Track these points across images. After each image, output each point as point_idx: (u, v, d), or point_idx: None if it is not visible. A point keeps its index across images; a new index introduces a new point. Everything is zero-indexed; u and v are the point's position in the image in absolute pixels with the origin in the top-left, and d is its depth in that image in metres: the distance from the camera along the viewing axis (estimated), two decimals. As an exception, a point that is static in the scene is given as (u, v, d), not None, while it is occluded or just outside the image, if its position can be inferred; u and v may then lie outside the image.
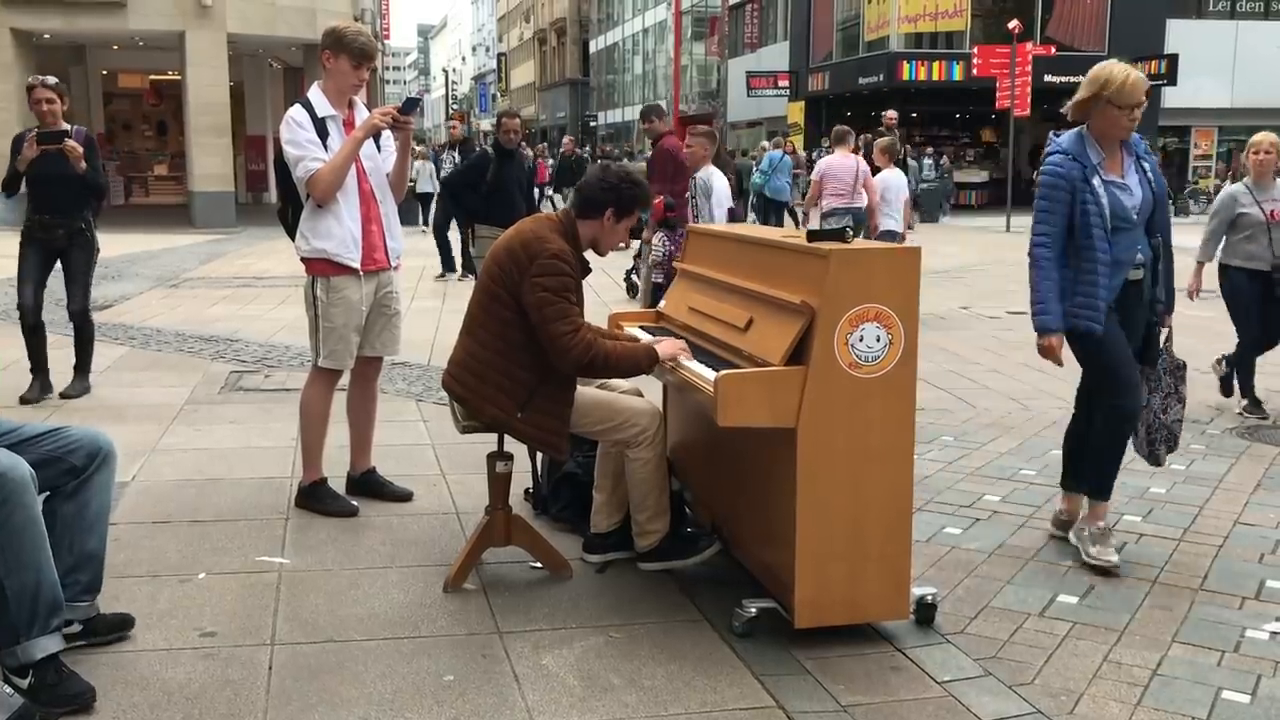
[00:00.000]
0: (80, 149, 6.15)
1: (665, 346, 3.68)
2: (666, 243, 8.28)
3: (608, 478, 3.96)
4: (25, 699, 2.82)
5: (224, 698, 2.99)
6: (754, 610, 3.41)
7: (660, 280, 8.14)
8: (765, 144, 26.28)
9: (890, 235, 10.68)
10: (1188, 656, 3.34)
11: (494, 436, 3.86)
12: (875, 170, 10.68)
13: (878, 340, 3.21)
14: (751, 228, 6.30)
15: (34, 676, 2.85)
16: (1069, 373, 7.60)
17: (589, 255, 3.83)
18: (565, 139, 27.77)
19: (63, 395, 6.52)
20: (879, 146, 11.24)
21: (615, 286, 12.56)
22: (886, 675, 3.19)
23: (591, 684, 3.10)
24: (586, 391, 3.80)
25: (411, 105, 4.44)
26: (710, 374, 3.33)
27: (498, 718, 2.91)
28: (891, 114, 13.49)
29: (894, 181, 10.66)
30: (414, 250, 14.51)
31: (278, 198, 4.60)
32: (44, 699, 2.83)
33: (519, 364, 3.64)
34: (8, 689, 2.81)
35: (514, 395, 3.64)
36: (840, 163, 10.49)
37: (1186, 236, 19.91)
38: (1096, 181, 3.92)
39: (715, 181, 7.28)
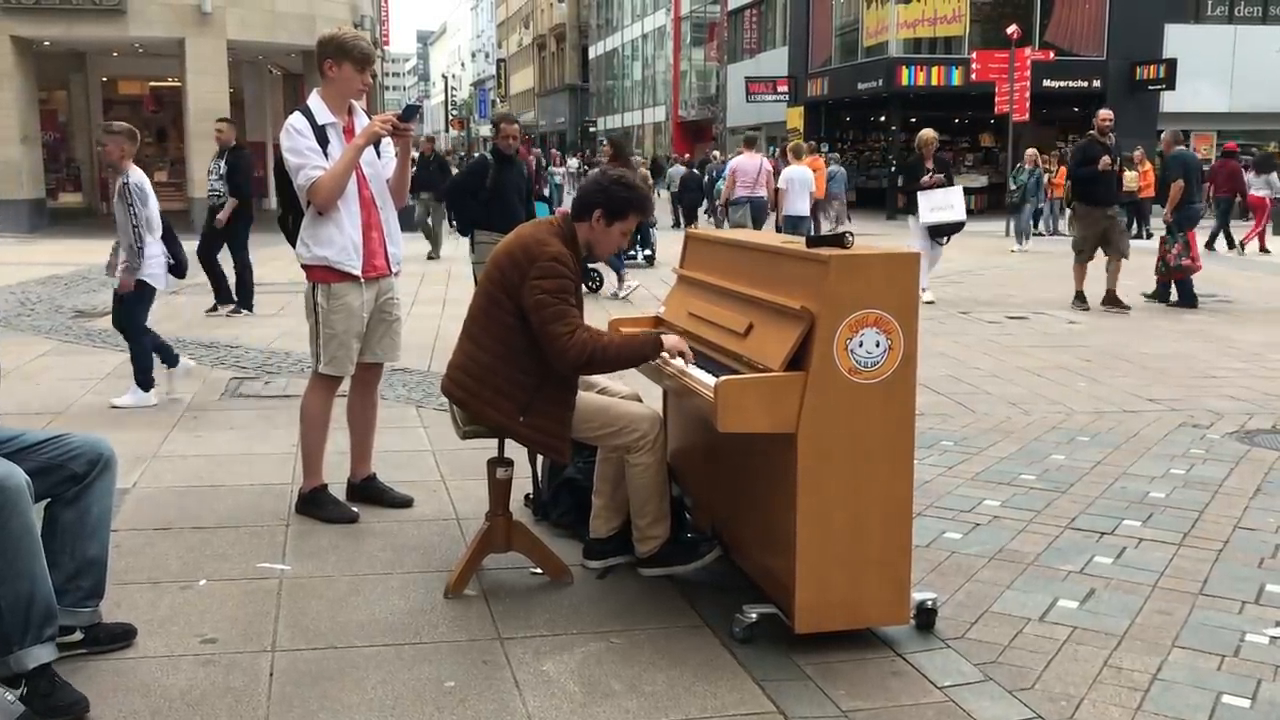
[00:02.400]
0: None
1: (673, 338, 3.66)
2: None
3: (607, 483, 3.96)
4: (26, 707, 2.82)
5: (225, 704, 2.99)
6: (754, 615, 3.41)
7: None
8: (716, 153, 26.51)
9: (799, 220, 13.87)
10: (1188, 661, 3.34)
11: (494, 442, 3.87)
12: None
13: (877, 345, 3.22)
14: (750, 233, 6.32)
15: (27, 686, 2.84)
16: (1069, 377, 7.65)
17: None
18: (424, 138, 20.79)
19: None
20: (787, 148, 15.29)
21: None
22: (887, 680, 3.19)
23: (592, 690, 3.10)
24: (587, 397, 3.80)
25: (411, 112, 4.45)
26: (710, 380, 3.33)
27: (499, 724, 2.92)
28: (1105, 113, 11.60)
29: (797, 175, 13.84)
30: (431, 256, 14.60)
31: (278, 205, 4.62)
32: (37, 708, 2.82)
33: (519, 367, 3.64)
34: (9, 695, 2.81)
35: (515, 399, 3.65)
36: (748, 161, 13.87)
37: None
38: None
39: (146, 185, 7.22)
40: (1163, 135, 13.10)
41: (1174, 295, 11.62)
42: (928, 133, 12.13)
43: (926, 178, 11.75)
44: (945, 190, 11.71)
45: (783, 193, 13.80)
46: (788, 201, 13.77)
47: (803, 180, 13.79)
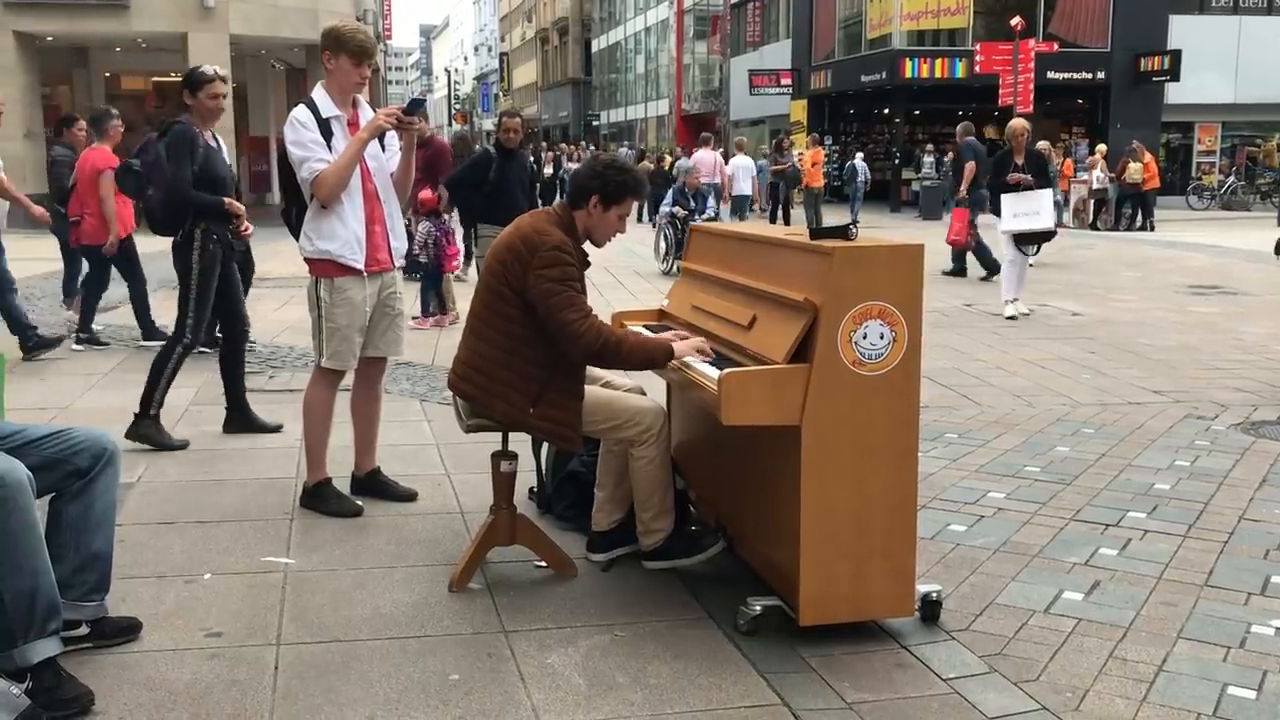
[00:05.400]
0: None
1: (683, 345, 3.65)
2: (432, 229, 9.58)
3: (610, 476, 3.96)
4: (31, 701, 2.82)
5: (230, 698, 2.99)
6: (759, 608, 3.41)
7: (426, 261, 9.51)
8: (680, 150, 27.45)
9: (743, 199, 19.16)
10: (1193, 653, 3.34)
11: (498, 436, 3.86)
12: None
13: (881, 337, 3.21)
14: (754, 225, 6.33)
15: (32, 680, 2.84)
16: (1073, 369, 7.64)
17: (588, 248, 3.82)
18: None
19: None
20: (735, 143, 21.18)
21: (618, 285, 12.57)
22: (891, 672, 3.19)
23: (597, 682, 3.10)
24: (591, 390, 3.79)
25: (416, 106, 4.44)
26: (714, 372, 3.33)
27: (503, 717, 2.92)
28: None
29: (741, 164, 19.31)
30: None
31: (281, 199, 4.61)
32: (42, 702, 2.82)
33: (527, 359, 3.63)
34: (15, 690, 2.81)
35: (525, 391, 3.64)
36: (706, 155, 18.32)
37: (1191, 233, 19.60)
38: None
39: None
40: (958, 127, 14.56)
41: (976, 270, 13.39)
42: (1018, 123, 10.71)
43: (1011, 176, 10.37)
44: (1033, 194, 10.27)
45: (731, 178, 18.47)
46: (735, 185, 18.85)
47: (746, 168, 19.39)
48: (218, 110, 5.49)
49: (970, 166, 13.39)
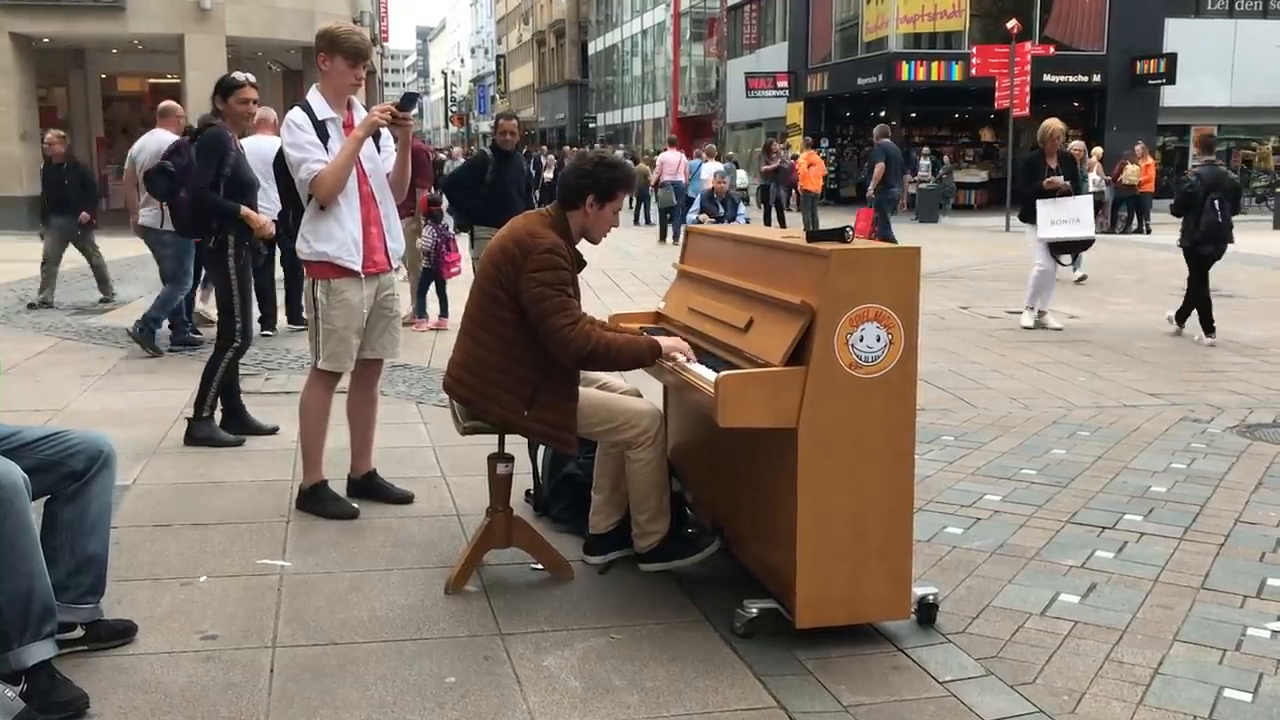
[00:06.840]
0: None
1: (669, 340, 3.68)
2: (434, 235, 9.36)
3: (607, 478, 3.96)
4: (26, 704, 2.81)
5: (226, 700, 2.99)
6: (755, 611, 3.41)
7: (428, 266, 9.41)
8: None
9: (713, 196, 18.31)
10: (1189, 655, 3.34)
11: (494, 438, 3.86)
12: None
13: (878, 340, 3.21)
14: (750, 228, 6.35)
15: (27, 683, 2.83)
16: (1070, 372, 7.65)
17: (584, 247, 3.82)
18: (50, 135, 11.30)
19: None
20: (705, 150, 22.27)
21: (614, 288, 12.57)
22: (888, 675, 3.19)
23: (593, 685, 3.10)
24: (587, 393, 3.79)
25: (410, 101, 4.43)
26: (711, 375, 3.33)
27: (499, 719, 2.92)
28: None
29: (714, 169, 19.68)
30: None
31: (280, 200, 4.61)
32: (37, 705, 2.82)
33: (521, 362, 3.63)
34: (9, 692, 2.80)
35: (519, 394, 3.64)
36: (670, 155, 21.16)
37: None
38: None
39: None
40: (875, 129, 15.52)
41: None
42: (1053, 124, 9.87)
43: (1047, 180, 9.59)
44: (1072, 199, 9.64)
45: (705, 181, 19.00)
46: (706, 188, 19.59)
47: (717, 172, 20.58)
48: (247, 114, 5.69)
49: (879, 168, 14.51)
